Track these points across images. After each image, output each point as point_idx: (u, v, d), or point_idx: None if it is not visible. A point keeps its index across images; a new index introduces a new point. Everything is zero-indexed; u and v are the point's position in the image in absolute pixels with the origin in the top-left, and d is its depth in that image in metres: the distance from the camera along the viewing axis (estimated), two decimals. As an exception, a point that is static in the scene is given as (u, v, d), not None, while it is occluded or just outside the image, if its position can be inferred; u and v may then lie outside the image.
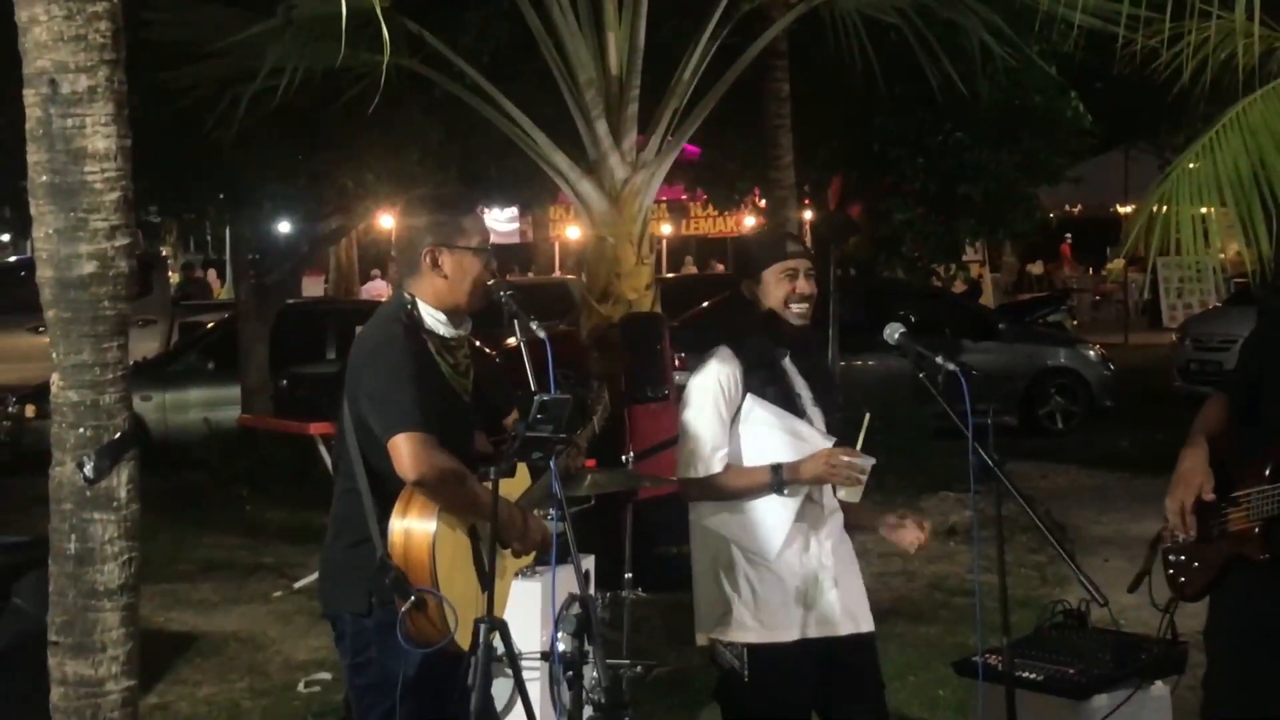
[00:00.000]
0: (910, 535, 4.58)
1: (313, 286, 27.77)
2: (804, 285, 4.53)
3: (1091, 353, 17.46)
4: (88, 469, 4.58)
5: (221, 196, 14.23)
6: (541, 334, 4.16)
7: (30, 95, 4.56)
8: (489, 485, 3.98)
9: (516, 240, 35.75)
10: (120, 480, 4.66)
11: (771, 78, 12.42)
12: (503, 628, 4.04)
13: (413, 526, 4.00)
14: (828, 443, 4.54)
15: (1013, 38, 9.11)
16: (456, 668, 4.14)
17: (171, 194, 14.23)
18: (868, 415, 4.56)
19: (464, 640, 4.05)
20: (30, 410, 12.82)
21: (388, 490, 4.05)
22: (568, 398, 3.96)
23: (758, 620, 4.57)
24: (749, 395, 4.57)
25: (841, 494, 4.60)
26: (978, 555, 4.55)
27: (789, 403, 4.58)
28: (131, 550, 4.73)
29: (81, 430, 4.59)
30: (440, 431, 4.01)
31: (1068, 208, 32.99)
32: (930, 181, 15.12)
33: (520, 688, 4.22)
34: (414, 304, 4.21)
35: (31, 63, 4.55)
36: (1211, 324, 18.84)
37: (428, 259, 4.20)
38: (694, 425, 4.61)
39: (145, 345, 19.14)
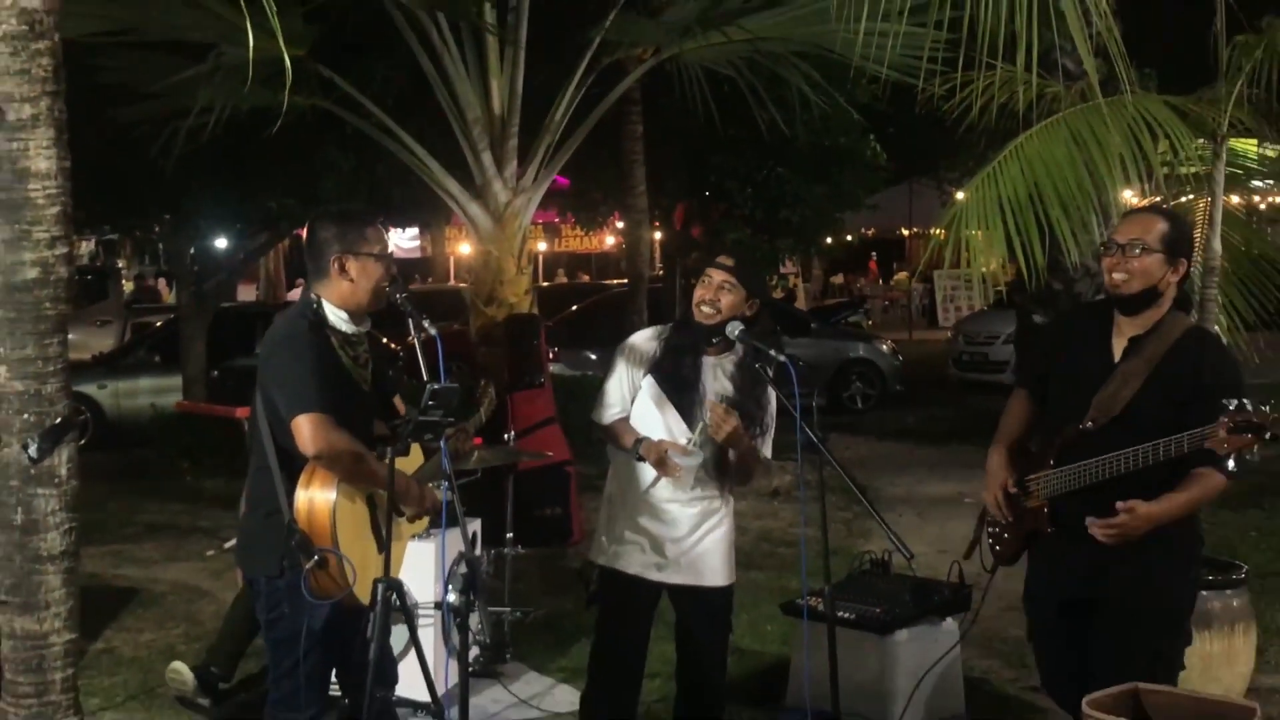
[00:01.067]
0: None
1: (246, 293, 27.20)
2: (706, 292, 4.40)
3: (884, 347, 17.51)
4: (31, 450, 4.25)
5: (166, 217, 13.80)
6: (433, 331, 3.95)
7: (-22, 121, 4.22)
8: (386, 462, 3.74)
9: (418, 255, 35.31)
10: (61, 460, 4.34)
11: (628, 120, 12.37)
12: (398, 586, 3.80)
13: (315, 496, 3.79)
14: (680, 435, 4.41)
15: (825, 87, 9.03)
16: (359, 621, 3.90)
17: (123, 214, 13.83)
18: (700, 424, 4.38)
19: (364, 596, 3.80)
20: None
21: (295, 465, 3.82)
22: (455, 386, 3.73)
23: (610, 549, 4.54)
24: (649, 375, 4.48)
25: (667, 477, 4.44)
26: (805, 514, 4.40)
27: (678, 391, 4.42)
28: (71, 520, 4.40)
29: (26, 416, 4.26)
30: (339, 414, 3.78)
31: (864, 230, 33.33)
32: (757, 208, 15.07)
33: (414, 637, 3.98)
34: (319, 304, 3.96)
35: (-20, 93, 4.21)
36: (978, 324, 19.02)
37: (335, 265, 3.95)
38: (607, 380, 4.59)
39: (102, 342, 18.68)
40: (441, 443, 3.82)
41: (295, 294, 25.81)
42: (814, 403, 4.15)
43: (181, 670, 5.73)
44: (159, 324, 17.29)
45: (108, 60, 8.61)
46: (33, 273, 4.21)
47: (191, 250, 14.19)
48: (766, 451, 4.58)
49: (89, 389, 14.11)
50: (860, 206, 16.77)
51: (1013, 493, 4.13)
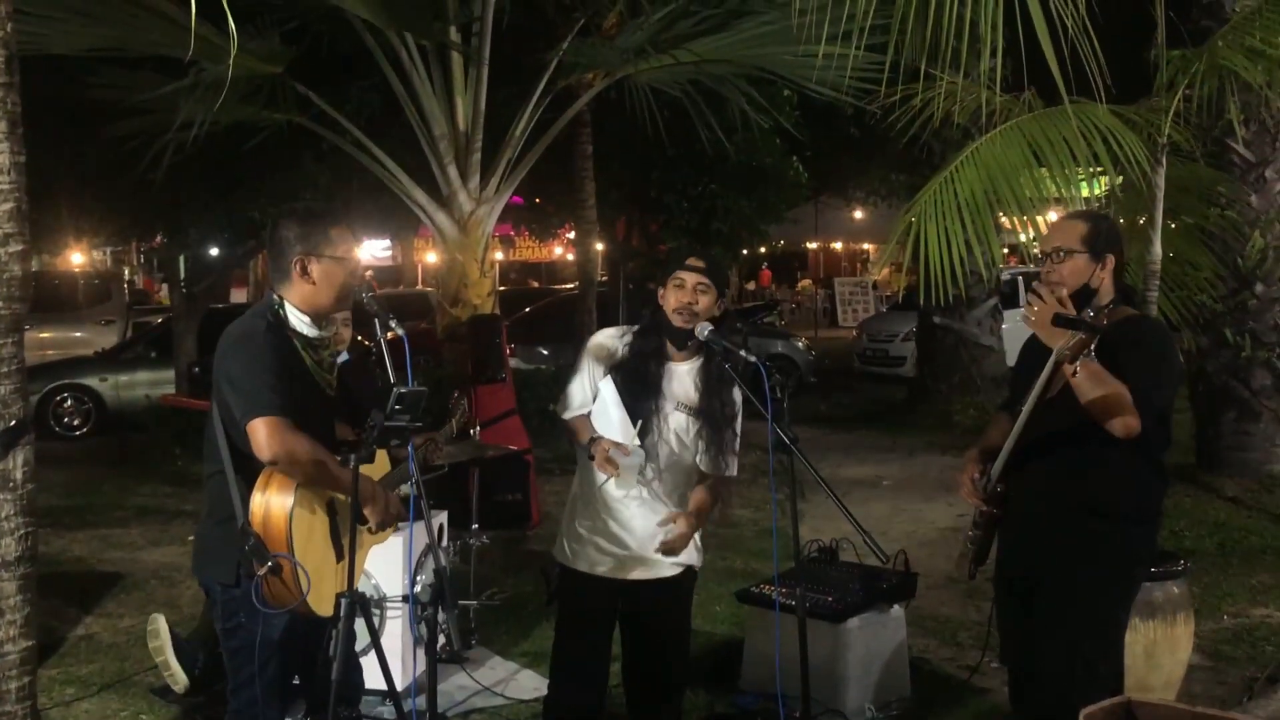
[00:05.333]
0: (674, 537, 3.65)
1: (239, 295, 26.11)
2: (684, 295, 3.65)
3: (800, 344, 16.94)
4: (-18, 454, 3.47)
5: (160, 230, 12.96)
6: (400, 331, 3.20)
7: (-76, 113, 3.45)
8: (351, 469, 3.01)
9: (390, 264, 34.33)
10: (17, 463, 3.58)
11: (579, 140, 11.64)
12: (362, 601, 3.07)
13: (272, 500, 3.05)
14: (625, 436, 3.65)
15: (763, 104, 8.35)
16: (319, 631, 3.17)
17: (125, 228, 12.99)
18: (651, 426, 3.68)
19: (318, 606, 3.07)
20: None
21: (252, 469, 3.07)
22: (423, 390, 3.02)
23: (568, 548, 3.80)
24: (608, 376, 3.72)
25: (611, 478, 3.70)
26: (776, 505, 3.76)
27: (635, 395, 3.67)
28: (29, 525, 3.64)
29: (-24, 419, 3.49)
30: (300, 417, 3.03)
31: (775, 241, 32.68)
32: (691, 219, 14.42)
33: (374, 637, 3.24)
34: (281, 305, 3.22)
35: (-75, 83, 3.44)
36: (880, 323, 18.76)
37: (297, 267, 3.21)
38: (571, 377, 3.83)
39: (107, 339, 17.62)
40: (409, 448, 3.10)
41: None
42: (784, 403, 3.51)
43: (159, 623, 4.90)
44: (157, 322, 16.33)
45: (95, 78, 7.77)
46: (-19, 271, 3.45)
47: (182, 256, 13.34)
48: (733, 469, 3.86)
49: (91, 381, 13.36)
50: (782, 220, 16.18)
51: (977, 479, 3.61)
